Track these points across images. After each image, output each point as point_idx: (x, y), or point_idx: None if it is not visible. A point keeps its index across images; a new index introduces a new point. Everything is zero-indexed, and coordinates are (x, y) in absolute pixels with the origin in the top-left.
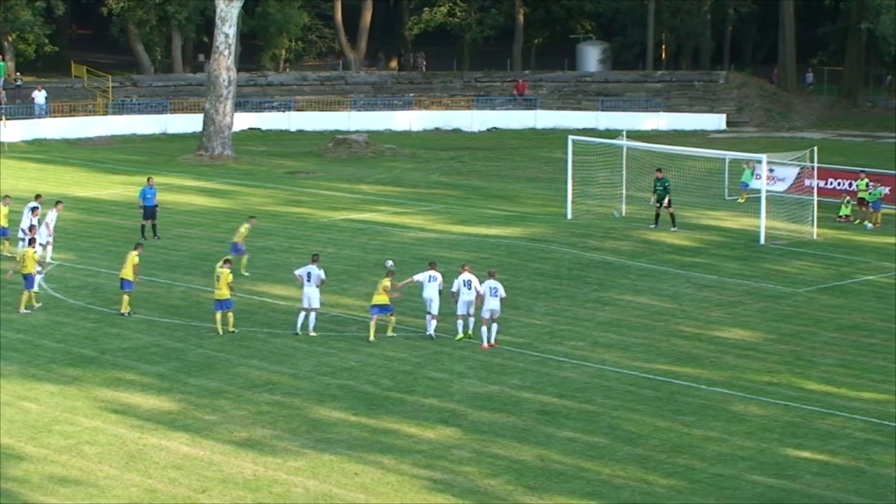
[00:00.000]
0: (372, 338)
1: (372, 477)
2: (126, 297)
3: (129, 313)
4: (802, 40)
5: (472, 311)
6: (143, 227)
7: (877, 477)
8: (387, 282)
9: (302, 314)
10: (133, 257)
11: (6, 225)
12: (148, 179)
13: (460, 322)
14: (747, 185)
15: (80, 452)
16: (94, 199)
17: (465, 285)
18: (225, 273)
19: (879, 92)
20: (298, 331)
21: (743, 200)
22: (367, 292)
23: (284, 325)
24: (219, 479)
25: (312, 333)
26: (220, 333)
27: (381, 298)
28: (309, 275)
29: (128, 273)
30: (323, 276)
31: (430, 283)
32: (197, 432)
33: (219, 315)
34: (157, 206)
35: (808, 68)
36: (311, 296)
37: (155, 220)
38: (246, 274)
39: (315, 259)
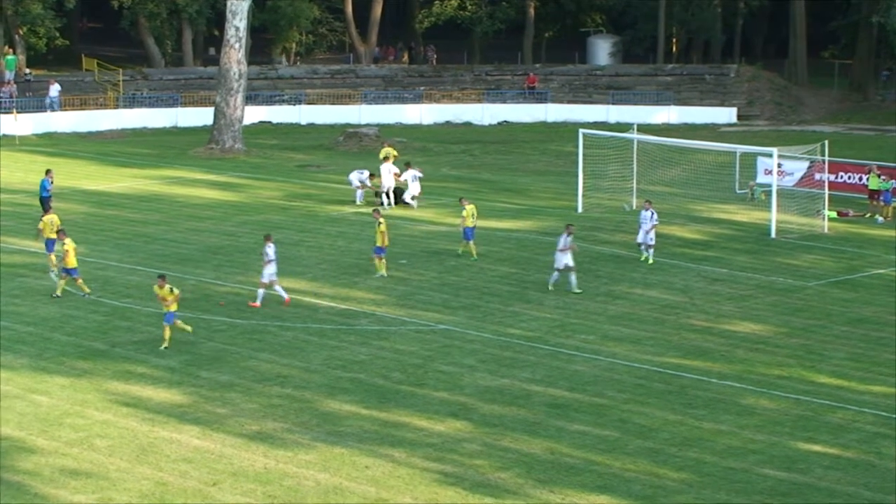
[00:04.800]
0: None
1: (382, 470)
2: (80, 281)
3: (86, 295)
4: (813, 34)
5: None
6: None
7: (887, 471)
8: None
9: (555, 274)
10: (70, 245)
11: None
12: (47, 172)
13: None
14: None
15: (91, 445)
16: (104, 193)
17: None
18: (168, 291)
19: (890, 86)
20: (550, 286)
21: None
22: (377, 285)
23: (295, 319)
24: (230, 472)
25: (577, 290)
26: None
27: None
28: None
29: (72, 261)
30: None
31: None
32: (208, 425)
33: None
34: (49, 198)
35: (883, 67)
36: (563, 259)
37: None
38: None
39: (572, 227)
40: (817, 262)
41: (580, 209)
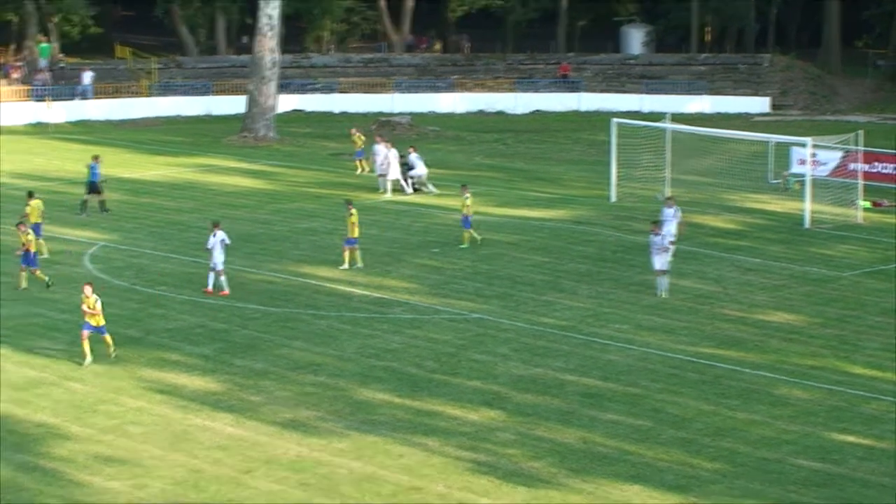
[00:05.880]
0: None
1: (416, 458)
2: (38, 273)
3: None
4: (847, 23)
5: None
6: (85, 201)
7: None
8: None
9: (658, 279)
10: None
11: None
12: (95, 157)
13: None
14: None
15: (125, 432)
16: (138, 181)
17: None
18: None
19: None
20: (662, 293)
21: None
22: (410, 274)
23: (329, 307)
24: (263, 459)
25: (664, 295)
26: (89, 362)
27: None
28: (659, 236)
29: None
30: (667, 240)
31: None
32: (241, 413)
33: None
34: (98, 182)
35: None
36: (661, 260)
37: (100, 194)
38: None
39: (657, 227)
40: (851, 252)
41: (613, 199)
